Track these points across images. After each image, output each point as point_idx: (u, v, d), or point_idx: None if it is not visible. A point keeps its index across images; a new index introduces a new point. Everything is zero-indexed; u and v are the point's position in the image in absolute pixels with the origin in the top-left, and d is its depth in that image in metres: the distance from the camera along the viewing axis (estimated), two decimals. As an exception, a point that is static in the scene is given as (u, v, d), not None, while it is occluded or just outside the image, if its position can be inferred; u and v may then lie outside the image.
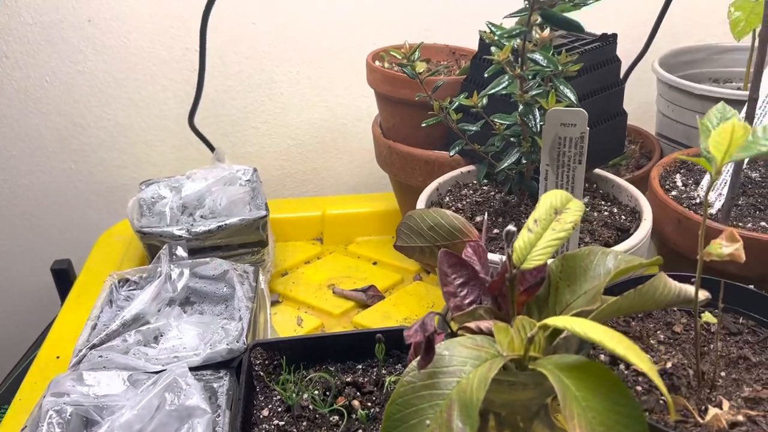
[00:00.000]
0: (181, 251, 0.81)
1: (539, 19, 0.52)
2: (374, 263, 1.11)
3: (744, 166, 0.90)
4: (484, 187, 0.87)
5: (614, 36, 0.81)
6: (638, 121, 1.16)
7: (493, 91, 0.62)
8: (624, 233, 0.76)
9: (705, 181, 0.85)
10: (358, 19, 1.18)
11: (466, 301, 0.60)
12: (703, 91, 0.94)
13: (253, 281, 0.78)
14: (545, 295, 0.60)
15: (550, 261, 0.62)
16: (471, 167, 0.88)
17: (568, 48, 0.78)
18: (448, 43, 1.07)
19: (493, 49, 0.61)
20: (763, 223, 0.78)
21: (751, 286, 0.68)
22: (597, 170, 0.87)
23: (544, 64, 0.56)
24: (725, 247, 0.56)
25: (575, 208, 0.56)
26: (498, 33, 0.58)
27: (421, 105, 0.79)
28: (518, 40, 0.56)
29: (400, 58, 0.71)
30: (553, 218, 0.55)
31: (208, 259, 0.81)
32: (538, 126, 0.63)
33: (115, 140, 1.22)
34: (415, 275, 1.08)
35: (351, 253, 1.15)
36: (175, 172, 1.08)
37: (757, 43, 0.98)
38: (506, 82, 0.61)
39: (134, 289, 0.81)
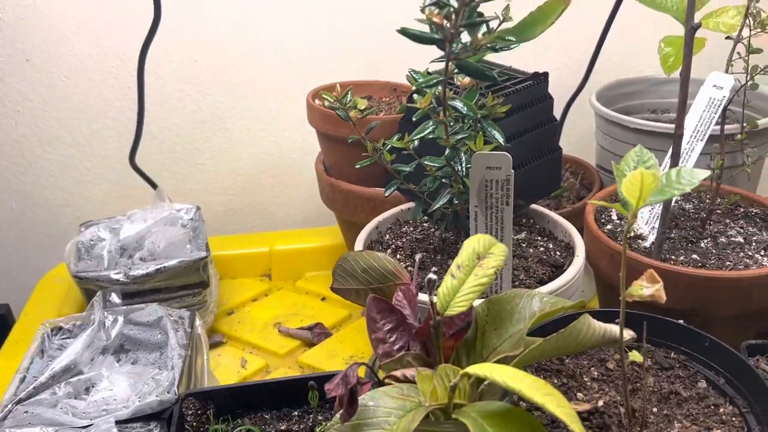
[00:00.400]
0: (115, 298, 0.79)
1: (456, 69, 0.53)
2: (323, 299, 1.11)
3: (677, 199, 0.92)
4: (425, 224, 0.88)
5: (545, 75, 0.82)
6: (580, 153, 1.19)
7: (418, 136, 0.63)
8: (558, 269, 0.77)
9: (640, 214, 0.86)
10: (302, 55, 1.19)
11: (396, 347, 0.60)
12: (638, 125, 0.97)
13: (188, 327, 0.77)
14: (473, 339, 0.60)
15: (478, 302, 0.62)
16: (411, 204, 0.88)
17: (500, 88, 0.80)
18: (390, 79, 1.08)
19: (415, 96, 0.62)
20: (694, 256, 0.80)
21: (681, 321, 0.69)
22: (534, 206, 0.88)
23: (465, 111, 0.57)
24: (646, 288, 0.57)
25: (498, 253, 0.57)
26: (420, 80, 0.58)
27: (361, 143, 0.79)
28: (440, 88, 0.57)
29: (332, 101, 0.71)
30: (476, 264, 0.56)
31: (142, 305, 0.80)
32: (464, 169, 0.64)
33: (57, 180, 1.20)
34: (362, 311, 1.07)
35: (299, 289, 1.14)
36: (118, 210, 1.07)
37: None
38: (431, 128, 0.61)
39: (67, 338, 0.79)
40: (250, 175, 1.26)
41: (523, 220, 0.88)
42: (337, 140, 0.93)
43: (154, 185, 1.12)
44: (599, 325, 0.59)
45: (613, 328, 0.59)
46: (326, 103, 0.97)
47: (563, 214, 0.97)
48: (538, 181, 0.87)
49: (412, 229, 0.87)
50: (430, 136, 0.64)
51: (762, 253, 0.80)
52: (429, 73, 0.61)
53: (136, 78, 1.04)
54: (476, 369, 0.50)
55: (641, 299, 0.58)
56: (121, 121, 1.17)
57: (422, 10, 0.47)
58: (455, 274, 0.55)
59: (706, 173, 0.55)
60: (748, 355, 0.71)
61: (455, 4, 0.47)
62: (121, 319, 0.78)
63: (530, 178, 0.85)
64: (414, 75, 0.61)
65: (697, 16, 0.98)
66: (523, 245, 0.82)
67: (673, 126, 0.84)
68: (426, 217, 0.87)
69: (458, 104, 0.57)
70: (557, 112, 1.21)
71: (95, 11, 1.11)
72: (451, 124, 0.61)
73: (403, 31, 0.47)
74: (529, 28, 0.80)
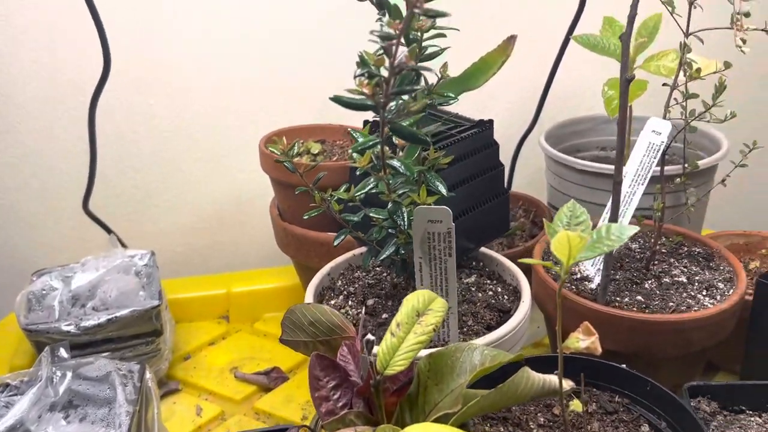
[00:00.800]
0: (63, 352, 0.79)
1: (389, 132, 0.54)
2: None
3: (638, 229, 0.94)
4: (378, 268, 0.88)
5: (490, 122, 0.84)
6: (533, 190, 1.21)
7: (360, 193, 0.64)
8: (506, 314, 0.78)
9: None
10: (258, 97, 1.20)
11: (339, 404, 0.60)
12: (584, 166, 0.99)
13: (137, 381, 0.77)
14: (416, 394, 0.61)
15: (424, 352, 0.63)
16: (364, 249, 0.89)
17: (447, 136, 0.81)
18: (345, 122, 1.09)
19: (355, 155, 0.63)
20: (639, 297, 0.81)
21: (624, 365, 0.70)
22: (483, 249, 0.89)
23: (402, 171, 0.58)
24: (582, 341, 0.58)
25: (437, 309, 0.58)
26: (359, 141, 0.59)
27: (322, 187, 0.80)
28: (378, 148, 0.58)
29: (278, 153, 0.72)
30: (415, 321, 0.57)
31: (92, 359, 0.79)
32: (406, 223, 0.65)
33: (11, 226, 1.19)
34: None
35: (257, 331, 1.14)
36: (74, 256, 1.06)
37: (631, 116, 1.04)
38: (372, 184, 0.63)
39: (14, 395, 0.78)
40: (208, 216, 1.26)
41: (473, 263, 0.89)
42: (290, 186, 0.94)
43: (108, 230, 1.12)
44: (538, 378, 0.60)
45: (552, 379, 0.61)
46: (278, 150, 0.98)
47: (516, 253, 0.99)
48: (487, 224, 0.88)
49: (364, 274, 0.88)
50: (374, 191, 0.65)
51: (704, 293, 0.82)
52: (372, 130, 0.62)
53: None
54: (413, 430, 0.50)
55: (577, 351, 0.59)
56: (74, 165, 1.16)
57: (354, 79, 0.48)
58: (395, 332, 0.56)
59: (635, 229, 0.57)
60: (690, 396, 0.73)
61: (385, 74, 0.48)
62: (69, 374, 0.77)
63: (479, 221, 0.87)
64: (354, 135, 0.62)
65: (640, 59, 1.02)
66: (473, 289, 0.83)
67: (610, 166, 0.86)
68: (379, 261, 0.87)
69: (396, 163, 0.58)
70: (511, 150, 1.25)
71: (47, 56, 1.11)
72: (390, 182, 0.62)
73: (336, 99, 0.48)
74: (472, 78, 0.82)
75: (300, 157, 1.02)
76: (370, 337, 0.52)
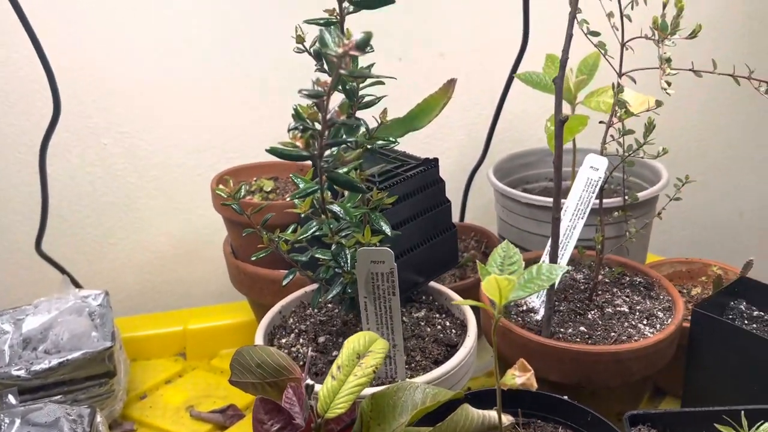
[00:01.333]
0: (11, 398, 0.78)
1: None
2: (237, 377, 1.11)
3: (570, 269, 0.98)
4: (329, 305, 0.90)
5: (435, 160, 0.87)
6: (484, 222, 1.24)
7: (303, 236, 0.65)
8: (453, 349, 0.80)
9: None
10: (212, 133, 1.21)
11: (284, 446, 0.61)
12: (529, 200, 1.02)
13: (87, 426, 0.77)
14: (360, 434, 0.62)
15: (367, 392, 0.64)
16: (315, 286, 0.90)
17: (393, 175, 0.83)
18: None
19: (296, 201, 0.65)
20: (582, 328, 0.84)
21: (565, 397, 0.72)
22: (433, 283, 0.91)
23: (341, 216, 0.60)
24: (518, 377, 0.60)
25: (378, 350, 0.60)
26: (300, 187, 0.61)
27: (272, 226, 0.81)
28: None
29: (225, 196, 0.73)
30: (356, 363, 0.58)
31: (41, 405, 0.79)
32: (349, 264, 0.67)
33: (-38, 267, 1.18)
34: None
35: (214, 368, 1.14)
36: (27, 297, 1.05)
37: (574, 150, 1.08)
38: (314, 227, 0.64)
39: (-39, 443, 0.77)
40: (164, 252, 1.27)
41: (423, 298, 0.91)
42: (241, 225, 0.95)
43: (62, 270, 1.11)
44: (477, 414, 0.62)
45: (492, 415, 0.63)
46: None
47: (467, 285, 1.01)
48: (436, 258, 0.90)
49: (316, 311, 0.89)
50: (318, 233, 0.67)
51: (645, 322, 0.85)
52: (314, 175, 0.64)
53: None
54: (353, 472, 0.52)
55: (514, 387, 0.61)
56: (28, 206, 1.16)
57: (288, 132, 0.50)
58: (335, 375, 0.57)
59: (565, 269, 0.60)
60: (631, 424, 0.75)
61: (318, 127, 0.50)
62: (18, 420, 0.77)
63: (428, 256, 0.89)
64: (295, 180, 0.64)
65: (581, 95, 1.06)
66: (422, 324, 0.85)
67: (562, 200, 0.89)
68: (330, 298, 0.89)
69: (336, 209, 0.60)
70: (464, 182, 1.28)
71: (-1, 98, 1.12)
72: (332, 225, 0.64)
73: (272, 151, 0.50)
74: (416, 119, 0.85)
75: (252, 195, 1.04)
76: (309, 381, 0.54)
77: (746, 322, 0.86)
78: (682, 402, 0.89)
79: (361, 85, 0.65)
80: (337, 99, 0.61)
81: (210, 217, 1.25)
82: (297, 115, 0.51)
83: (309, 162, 0.60)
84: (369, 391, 0.63)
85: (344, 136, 0.63)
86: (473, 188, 1.29)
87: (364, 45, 0.43)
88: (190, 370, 1.14)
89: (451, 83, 0.82)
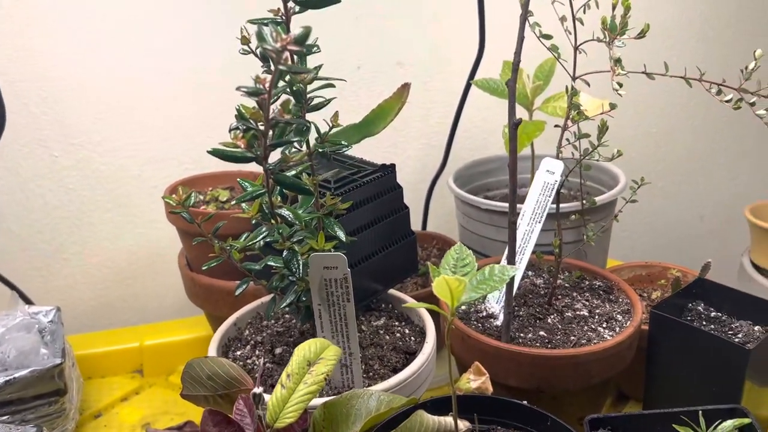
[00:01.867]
0: (-48, 420, 0.75)
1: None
2: (196, 393, 1.08)
3: (529, 274, 0.97)
4: (286, 316, 0.88)
5: (392, 166, 0.86)
6: (446, 230, 1.23)
7: (252, 242, 0.64)
8: (412, 356, 0.79)
9: (491, 294, 0.90)
10: (166, 143, 1.19)
11: (234, 459, 0.59)
12: (489, 206, 1.02)
13: (32, 446, 0.74)
14: (312, 445, 0.60)
15: (319, 401, 0.63)
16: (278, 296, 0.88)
17: (350, 181, 0.82)
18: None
19: (244, 205, 0.63)
20: (542, 333, 0.83)
21: (525, 402, 0.71)
22: (392, 291, 0.90)
23: (291, 220, 0.58)
24: (473, 381, 0.59)
25: (329, 357, 0.58)
26: (248, 189, 0.60)
27: (226, 235, 0.79)
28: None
29: (174, 204, 0.71)
30: (306, 371, 0.57)
31: (-17, 426, 0.76)
32: (301, 271, 0.65)
33: None
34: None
35: (172, 384, 1.11)
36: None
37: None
38: (264, 233, 0.63)
39: None
40: (120, 267, 1.24)
41: (383, 305, 0.90)
42: (194, 235, 0.93)
43: (11, 286, 1.08)
44: (433, 420, 0.60)
45: (448, 421, 0.61)
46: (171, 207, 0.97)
47: (429, 293, 1.00)
48: (395, 266, 0.89)
49: (273, 322, 0.87)
50: (269, 239, 0.65)
51: (604, 325, 0.85)
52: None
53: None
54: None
55: (468, 392, 0.60)
56: (-23, 221, 1.13)
57: (229, 132, 0.49)
58: (285, 383, 0.56)
59: (515, 269, 0.59)
60: (591, 428, 0.74)
61: (261, 127, 0.48)
62: (-42, 443, 0.73)
63: (386, 264, 0.87)
64: (242, 184, 0.62)
65: (538, 101, 1.06)
66: (381, 332, 0.84)
67: (521, 206, 0.89)
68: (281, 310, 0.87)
69: (285, 212, 0.58)
70: (425, 191, 1.27)
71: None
72: (281, 231, 0.63)
73: (214, 152, 0.49)
74: (372, 125, 0.84)
75: (207, 205, 1.02)
76: (256, 390, 0.52)
77: (704, 323, 0.86)
78: (644, 404, 0.89)
79: (311, 88, 0.64)
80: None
81: (166, 230, 1.22)
82: (239, 115, 0.50)
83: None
84: (322, 400, 0.61)
85: (295, 138, 0.61)
86: (435, 197, 1.29)
87: (302, 40, 0.42)
88: (147, 387, 1.10)
89: (405, 88, 0.81)
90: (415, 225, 1.29)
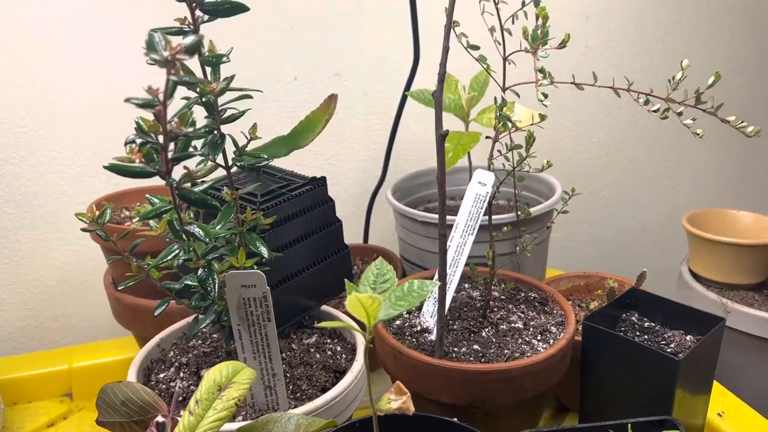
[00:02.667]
0: None
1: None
2: (127, 416, 1.03)
3: (465, 286, 0.96)
4: (214, 336, 0.85)
5: (323, 179, 0.84)
6: (387, 243, 1.22)
7: (163, 261, 0.61)
8: (342, 374, 0.76)
9: (425, 307, 0.88)
10: (94, 159, 1.15)
11: (142, 490, 0.56)
12: (424, 218, 1.00)
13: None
14: (227, 472, 0.57)
15: (234, 426, 0.60)
16: (201, 315, 0.85)
17: (278, 195, 0.80)
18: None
19: (151, 222, 0.60)
20: (476, 347, 0.82)
21: (454, 419, 0.70)
22: (325, 307, 0.87)
23: (201, 237, 0.56)
24: (393, 401, 0.57)
25: (242, 381, 0.55)
26: (154, 206, 0.57)
27: (146, 253, 0.76)
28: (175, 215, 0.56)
29: (87, 222, 0.68)
30: (216, 396, 0.54)
31: None
32: (216, 291, 0.63)
33: None
34: None
35: (102, 408, 1.06)
36: None
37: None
38: (176, 251, 0.60)
39: None
40: (49, 287, 1.19)
41: (315, 322, 0.87)
42: (117, 252, 0.89)
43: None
44: (353, 443, 0.58)
45: (370, 443, 0.59)
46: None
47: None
48: (328, 281, 0.87)
49: (200, 342, 0.84)
50: (182, 258, 0.63)
51: (538, 337, 0.84)
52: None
53: None
54: None
55: (390, 412, 0.58)
56: None
57: (125, 146, 0.46)
58: (193, 410, 0.53)
59: (436, 284, 0.57)
60: (523, 444, 0.73)
61: (161, 140, 0.46)
62: None
63: (318, 279, 0.85)
64: (151, 199, 0.60)
65: (474, 112, 1.05)
66: (312, 350, 0.81)
67: (454, 218, 0.88)
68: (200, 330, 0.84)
69: (194, 229, 0.56)
70: (366, 203, 1.25)
71: None
72: (194, 248, 0.60)
73: (111, 167, 0.46)
74: (300, 137, 0.82)
75: (132, 221, 0.98)
76: (159, 419, 0.49)
77: (638, 333, 0.86)
78: (580, 416, 0.88)
79: (227, 99, 0.62)
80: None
81: (98, 248, 1.18)
82: (138, 128, 0.47)
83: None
84: (237, 425, 0.59)
85: (207, 151, 0.59)
86: (377, 209, 1.27)
87: (193, 48, 0.40)
88: (76, 411, 1.06)
89: (332, 99, 0.79)
90: (357, 238, 1.28)
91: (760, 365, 1.12)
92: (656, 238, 1.65)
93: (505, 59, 0.80)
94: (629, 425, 0.68)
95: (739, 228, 1.24)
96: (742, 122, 0.72)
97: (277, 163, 0.88)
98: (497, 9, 0.77)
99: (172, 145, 0.48)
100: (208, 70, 0.60)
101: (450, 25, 0.72)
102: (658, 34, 1.46)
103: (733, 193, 1.68)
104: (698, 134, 0.74)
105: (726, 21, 1.50)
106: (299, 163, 1.26)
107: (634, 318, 0.88)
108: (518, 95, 0.81)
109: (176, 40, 0.41)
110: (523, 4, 0.74)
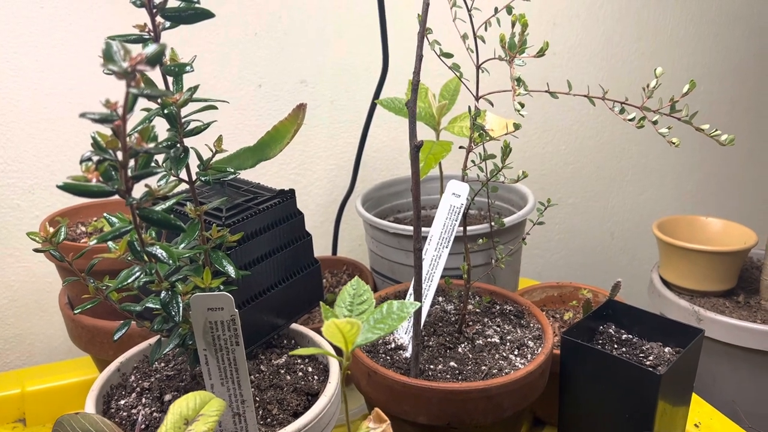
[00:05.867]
0: None
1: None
2: (86, 442, 0.98)
3: (440, 300, 0.93)
4: (179, 358, 0.80)
5: (291, 191, 0.80)
6: (357, 255, 1.18)
7: (123, 284, 0.57)
8: (314, 398, 0.73)
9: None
10: (48, 171, 1.09)
11: None
12: (396, 230, 0.97)
13: None
14: None
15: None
16: (164, 338, 0.81)
17: (244, 209, 0.76)
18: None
19: (110, 244, 0.56)
20: (452, 363, 0.79)
21: (433, 440, 0.67)
22: (295, 325, 0.84)
23: (165, 259, 0.52)
24: (372, 430, 0.54)
25: (210, 413, 0.52)
26: (113, 226, 0.53)
27: (105, 272, 0.71)
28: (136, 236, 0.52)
29: (40, 242, 0.63)
30: (183, 431, 0.50)
31: None
32: (180, 315, 0.59)
33: None
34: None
35: (59, 434, 1.01)
36: None
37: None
38: (137, 273, 0.56)
39: None
40: (1, 306, 1.12)
41: (285, 342, 0.84)
42: (76, 273, 0.85)
43: None
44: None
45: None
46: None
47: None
48: (298, 297, 0.84)
49: (163, 365, 0.80)
50: (144, 280, 0.59)
51: (516, 352, 0.81)
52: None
53: None
54: None
55: (369, 442, 0.55)
56: None
57: (80, 164, 0.43)
58: (157, 446, 0.49)
59: (417, 305, 0.54)
60: (504, 464, 0.71)
61: (120, 157, 0.42)
62: None
63: (288, 296, 0.82)
64: (108, 219, 0.56)
65: (445, 120, 1.03)
66: (282, 372, 0.78)
67: (428, 229, 0.85)
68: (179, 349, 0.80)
69: (157, 251, 0.52)
70: (335, 214, 1.22)
71: None
72: (155, 270, 0.56)
73: (65, 187, 0.42)
74: (267, 148, 0.78)
75: (89, 237, 0.93)
76: (120, 458, 0.45)
77: (616, 346, 0.84)
78: (558, 431, 0.86)
79: (190, 111, 0.58)
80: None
81: (51, 266, 1.12)
82: (95, 144, 0.44)
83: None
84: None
85: (170, 166, 0.55)
86: (346, 219, 1.24)
87: (155, 59, 0.36)
88: (30, 438, 1.00)
89: (300, 108, 0.76)
90: (326, 249, 1.25)
91: (732, 372, 1.12)
92: (625, 245, 1.65)
93: (478, 67, 0.78)
94: (613, 444, 0.66)
95: (708, 234, 1.25)
96: (716, 130, 0.71)
97: (241, 174, 0.84)
98: (470, 16, 0.75)
99: (132, 162, 0.44)
100: (170, 80, 0.56)
101: (423, 32, 0.70)
102: (624, 40, 1.46)
103: (700, 199, 1.69)
104: (674, 143, 0.73)
105: (691, 27, 1.51)
106: (264, 173, 1.22)
107: (611, 330, 0.87)
108: (492, 104, 0.79)
109: (136, 49, 0.37)
110: (496, 11, 0.72)
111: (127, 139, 0.42)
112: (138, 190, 0.48)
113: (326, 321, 0.49)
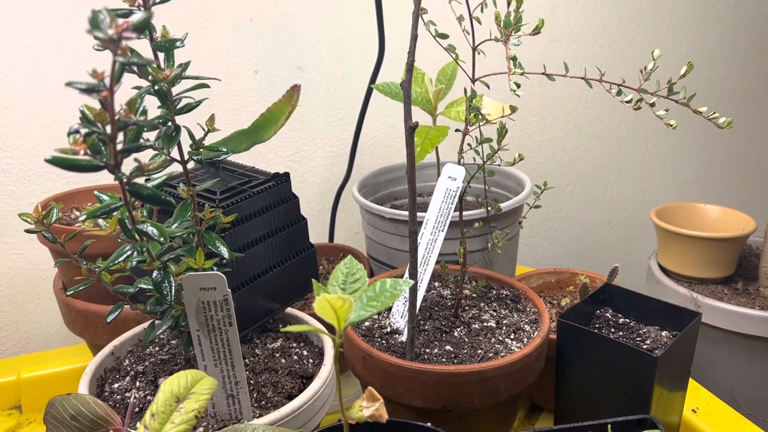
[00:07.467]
0: None
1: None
2: (82, 428, 0.98)
3: (436, 285, 0.93)
4: (173, 341, 0.80)
5: (286, 175, 0.80)
6: (354, 242, 1.18)
7: (114, 263, 0.56)
8: (309, 380, 0.72)
9: (395, 308, 0.85)
10: (40, 158, 1.09)
11: None
12: (393, 215, 0.97)
13: None
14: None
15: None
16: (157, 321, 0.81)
17: (238, 191, 0.76)
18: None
19: (100, 221, 0.56)
20: (448, 347, 0.79)
21: (429, 424, 0.66)
22: (290, 309, 0.83)
23: (156, 236, 0.52)
24: (366, 408, 0.53)
25: (202, 391, 0.51)
26: (103, 203, 0.53)
27: (98, 255, 0.71)
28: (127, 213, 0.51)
29: (32, 222, 0.63)
30: (174, 408, 0.50)
31: None
32: (172, 295, 0.58)
33: None
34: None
35: (55, 420, 1.01)
36: None
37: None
38: (128, 252, 0.55)
39: None
40: (-4, 293, 1.12)
41: (280, 326, 0.83)
42: (67, 254, 0.84)
43: None
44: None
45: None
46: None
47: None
48: (293, 282, 0.83)
49: (158, 349, 0.79)
50: (136, 259, 0.58)
51: (512, 336, 0.81)
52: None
53: None
54: None
55: (361, 421, 0.54)
56: None
57: (68, 136, 0.42)
58: (149, 424, 0.49)
59: (410, 283, 0.54)
60: (499, 447, 0.70)
61: (108, 130, 0.42)
62: None
63: (283, 280, 0.81)
64: (99, 196, 0.55)
65: (442, 105, 1.02)
66: (277, 355, 0.77)
67: (424, 214, 0.84)
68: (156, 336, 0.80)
69: (148, 228, 0.51)
70: (332, 200, 1.21)
71: None
72: (147, 248, 0.56)
73: (53, 160, 0.42)
74: (261, 130, 0.77)
75: (82, 222, 0.93)
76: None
77: (612, 330, 0.84)
78: (555, 416, 0.85)
79: (182, 89, 0.57)
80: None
81: (47, 252, 1.12)
82: (83, 117, 0.43)
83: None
84: (197, 438, 0.55)
85: (161, 144, 0.55)
86: (343, 206, 1.24)
87: (142, 25, 0.36)
88: (26, 424, 1.00)
89: (294, 90, 0.75)
90: (322, 236, 1.24)
91: (730, 359, 1.12)
92: (623, 232, 1.65)
93: (474, 49, 0.77)
94: (609, 426, 0.66)
95: (707, 221, 1.24)
96: (714, 113, 0.70)
97: (236, 160, 0.84)
98: (466, -4, 0.74)
99: (121, 136, 0.43)
100: (161, 57, 0.56)
101: (418, 12, 0.69)
102: (622, 27, 1.45)
103: (699, 187, 1.68)
104: (671, 125, 0.72)
105: (689, 14, 1.50)
106: (260, 160, 1.21)
107: (608, 314, 0.86)
108: (488, 86, 0.78)
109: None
110: (493, -9, 0.72)
111: (116, 112, 0.41)
112: (128, 168, 0.47)
113: (317, 298, 0.48)
